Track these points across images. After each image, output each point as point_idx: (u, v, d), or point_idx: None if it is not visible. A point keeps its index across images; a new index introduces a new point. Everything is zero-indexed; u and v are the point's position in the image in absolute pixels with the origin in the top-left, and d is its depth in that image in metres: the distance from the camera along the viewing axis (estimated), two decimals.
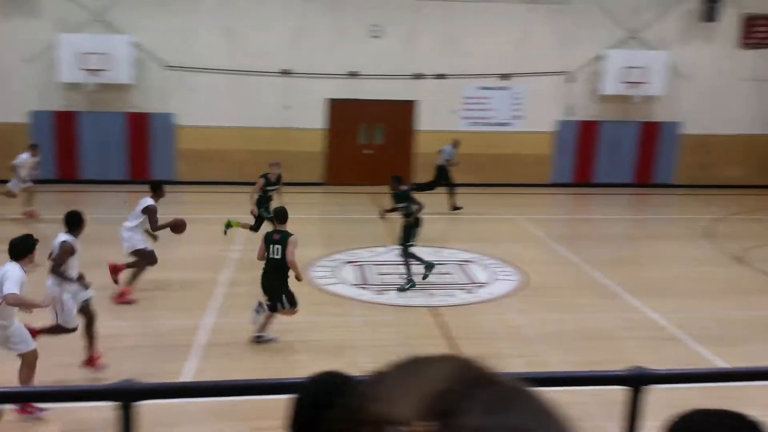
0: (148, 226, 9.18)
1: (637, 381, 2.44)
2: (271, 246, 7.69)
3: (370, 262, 11.37)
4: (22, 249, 6.27)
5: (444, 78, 17.73)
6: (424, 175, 18.12)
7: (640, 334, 8.60)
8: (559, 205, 16.83)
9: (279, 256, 7.63)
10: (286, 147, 16.93)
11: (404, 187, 10.49)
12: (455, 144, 15.58)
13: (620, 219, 15.70)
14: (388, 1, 17.20)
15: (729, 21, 18.09)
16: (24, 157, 13.29)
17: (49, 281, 6.88)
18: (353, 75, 17.48)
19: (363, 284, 10.31)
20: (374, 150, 18.06)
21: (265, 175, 11.62)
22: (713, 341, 8.27)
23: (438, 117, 17.92)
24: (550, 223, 14.94)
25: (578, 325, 8.83)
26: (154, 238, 9.48)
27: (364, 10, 17.21)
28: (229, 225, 11.20)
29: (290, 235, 7.70)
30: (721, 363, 7.55)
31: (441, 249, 12.21)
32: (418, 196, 10.46)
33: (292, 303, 7.87)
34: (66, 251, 6.93)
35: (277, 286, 7.77)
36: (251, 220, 11.41)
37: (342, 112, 17.74)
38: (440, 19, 17.39)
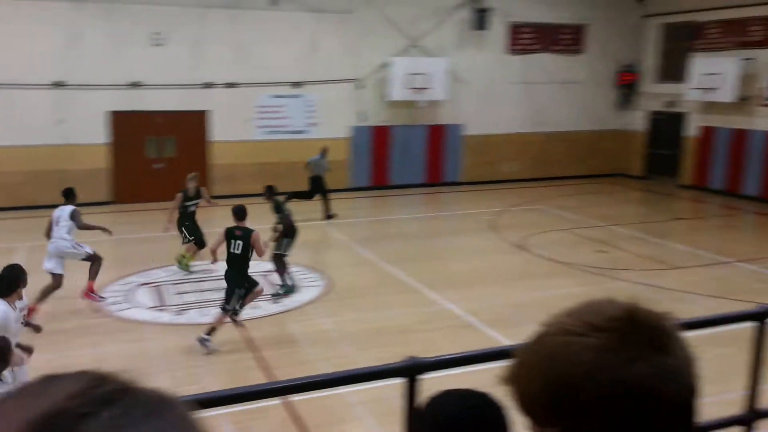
0: None
1: (411, 371, 2.50)
2: (233, 241, 8.32)
3: (167, 282, 10.76)
4: (6, 283, 5.42)
5: (235, 87, 17.39)
6: (221, 186, 17.68)
7: (440, 324, 9.03)
8: (359, 209, 17.23)
9: (239, 251, 8.29)
10: (67, 165, 15.64)
11: (278, 197, 10.60)
12: (324, 152, 15.52)
13: (416, 218, 16.44)
14: (170, 7, 16.50)
15: (498, 29, 19.76)
16: None
17: None
18: (136, 85, 16.52)
19: (161, 306, 9.72)
20: (165, 163, 17.20)
21: (183, 191, 11.28)
22: (504, 324, 8.91)
23: (232, 126, 17.54)
24: (352, 226, 15.23)
25: (383, 322, 9.05)
26: None
27: (144, 16, 16.34)
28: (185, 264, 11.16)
29: (252, 231, 8.37)
30: (510, 343, 8.13)
31: None
32: (293, 206, 10.44)
33: (252, 285, 8.48)
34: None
35: (237, 277, 8.34)
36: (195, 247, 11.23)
37: (126, 125, 16.68)
38: (227, 27, 17.03)
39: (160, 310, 9.56)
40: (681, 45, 20.27)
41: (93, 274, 9.62)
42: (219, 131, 17.50)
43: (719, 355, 7.39)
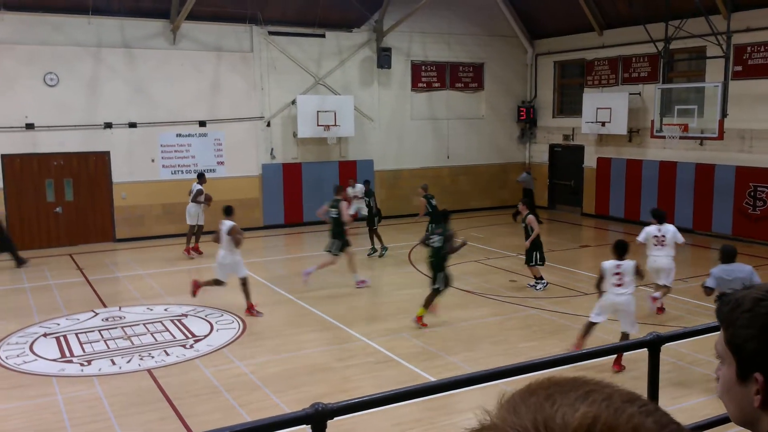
0: None
1: (316, 418, 2.50)
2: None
3: (71, 331, 10.19)
4: None
5: (137, 126, 16.92)
6: (128, 229, 17.08)
7: (358, 360, 8.97)
8: (273, 247, 17.00)
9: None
10: None
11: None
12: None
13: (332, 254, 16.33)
14: (62, 47, 15.96)
15: (401, 68, 20.27)
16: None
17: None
18: (29, 127, 15.79)
19: (65, 357, 9.18)
20: (65, 207, 16.44)
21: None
22: (423, 357, 8.96)
23: (136, 167, 17.03)
24: (267, 265, 15.00)
25: (301, 362, 8.90)
26: None
27: (36, 56, 15.73)
28: None
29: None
30: (430, 377, 8.18)
31: (152, 306, 11.49)
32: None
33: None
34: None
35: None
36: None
37: (20, 168, 15.87)
38: (124, 66, 16.65)
39: (66, 361, 9.03)
40: (573, 81, 21.47)
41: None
42: (122, 172, 16.94)
43: (629, 378, 7.72)
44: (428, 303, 10.31)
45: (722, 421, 3.57)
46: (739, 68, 16.23)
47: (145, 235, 17.18)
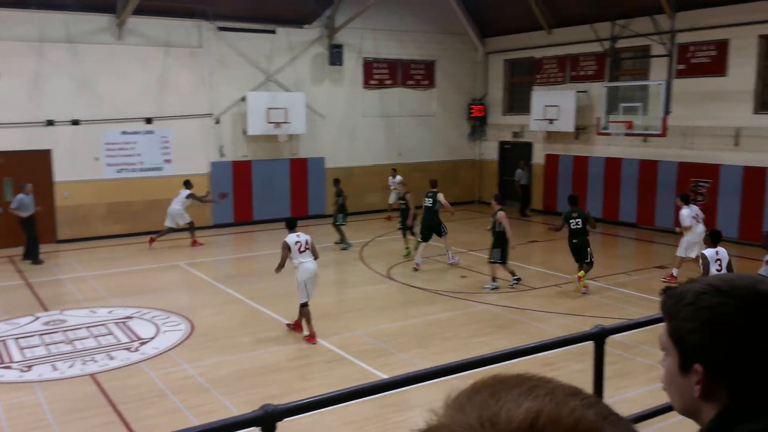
0: None
1: (267, 419, 2.44)
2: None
3: (10, 336, 9.82)
4: None
5: (80, 123, 16.43)
6: (71, 229, 16.62)
7: (310, 360, 8.89)
8: (222, 246, 16.72)
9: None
10: None
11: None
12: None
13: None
14: (4, 42, 15.38)
15: (353, 65, 20.19)
16: None
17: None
18: None
19: (4, 363, 8.84)
20: (5, 207, 15.85)
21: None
22: (375, 355, 8.93)
23: (79, 165, 16.54)
24: (216, 264, 14.75)
25: (251, 363, 8.77)
26: None
27: None
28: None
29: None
30: (382, 374, 8.15)
31: (96, 309, 11.17)
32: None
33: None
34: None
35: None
36: None
37: None
38: (68, 61, 16.14)
39: (5, 367, 8.69)
40: (523, 79, 21.74)
41: None
42: (64, 171, 16.42)
43: (576, 370, 7.83)
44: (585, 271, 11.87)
45: (665, 410, 3.63)
46: (682, 67, 16.67)
47: (88, 236, 16.70)
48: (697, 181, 16.66)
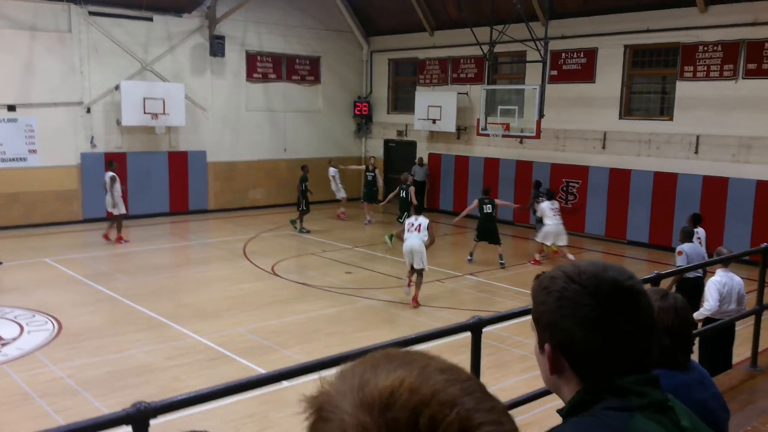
0: None
1: (139, 417, 2.37)
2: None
3: None
4: None
5: None
6: None
7: (189, 359, 8.61)
8: (94, 242, 15.83)
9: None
10: None
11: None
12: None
13: (159, 249, 15.57)
14: None
15: (235, 57, 19.74)
16: None
17: None
18: None
19: None
20: None
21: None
22: (258, 352, 8.78)
23: None
24: (87, 261, 13.94)
25: (126, 363, 8.37)
26: None
27: None
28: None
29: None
30: (264, 371, 8.03)
31: None
32: None
33: None
34: None
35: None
36: None
37: None
38: None
39: None
40: (407, 79, 22.14)
41: None
42: None
43: (454, 362, 8.05)
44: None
45: (536, 396, 3.82)
46: (554, 72, 17.59)
47: None
48: (567, 181, 17.64)
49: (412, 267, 11.01)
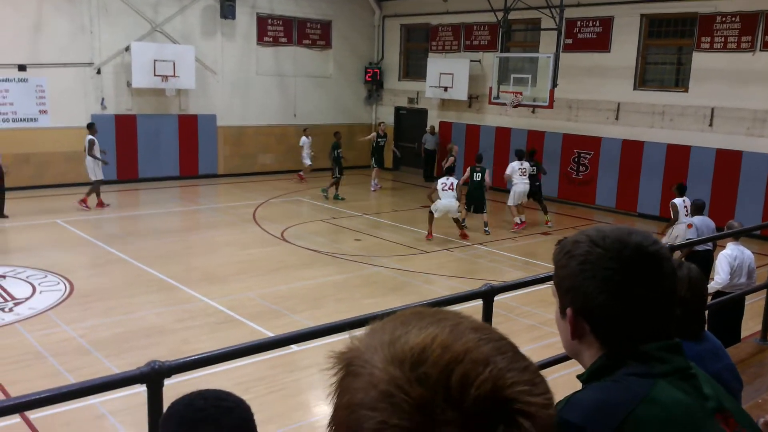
0: None
1: (152, 376, 2.38)
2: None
3: None
4: None
5: None
6: None
7: (198, 322, 8.69)
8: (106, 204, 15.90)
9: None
10: None
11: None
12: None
13: (170, 212, 15.64)
14: None
15: (246, 19, 19.53)
16: None
17: None
18: None
19: None
20: None
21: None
22: (267, 317, 8.85)
23: None
24: (98, 223, 14.02)
25: (136, 324, 8.46)
26: None
27: None
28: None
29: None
30: (280, 332, 8.09)
31: None
32: None
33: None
34: None
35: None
36: None
37: None
38: None
39: None
40: (419, 46, 21.88)
41: None
42: None
43: None
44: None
45: (544, 366, 3.82)
46: (569, 41, 17.33)
47: None
48: (579, 152, 17.51)
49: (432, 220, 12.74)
